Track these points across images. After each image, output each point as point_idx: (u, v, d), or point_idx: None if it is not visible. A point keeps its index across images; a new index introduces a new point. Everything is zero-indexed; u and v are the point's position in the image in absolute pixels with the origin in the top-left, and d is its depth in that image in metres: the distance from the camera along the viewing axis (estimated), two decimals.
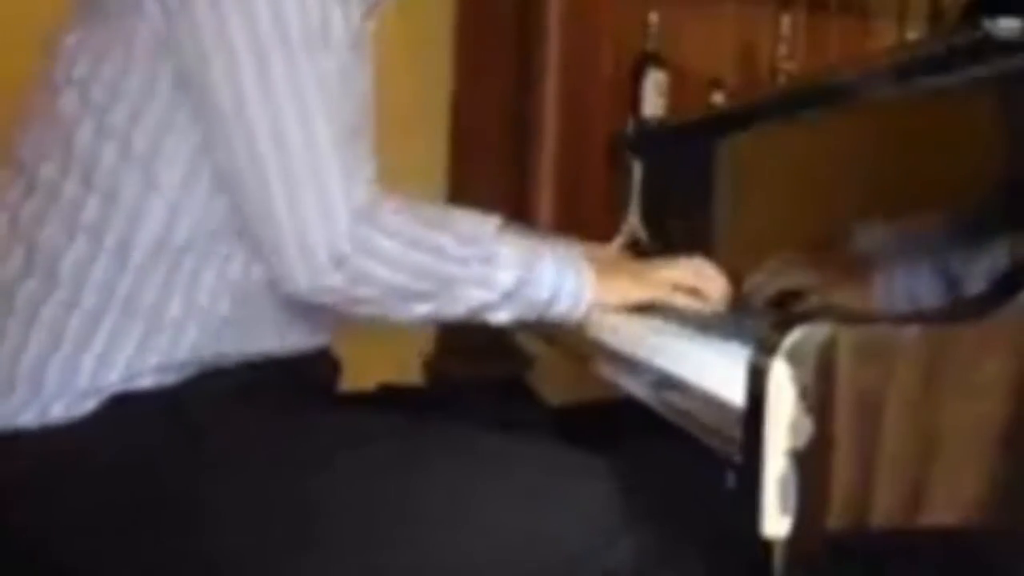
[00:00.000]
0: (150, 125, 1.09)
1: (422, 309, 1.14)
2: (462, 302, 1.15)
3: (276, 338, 1.17)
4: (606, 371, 1.23)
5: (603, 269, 1.25)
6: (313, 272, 1.07)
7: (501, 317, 1.19)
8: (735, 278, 1.35)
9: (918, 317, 0.85)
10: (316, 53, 1.07)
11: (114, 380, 1.09)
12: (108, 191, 1.09)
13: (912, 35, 2.04)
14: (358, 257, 1.08)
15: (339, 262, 1.07)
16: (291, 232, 1.06)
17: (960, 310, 0.85)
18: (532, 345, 1.65)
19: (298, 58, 1.06)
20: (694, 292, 1.27)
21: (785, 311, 1.27)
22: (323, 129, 1.07)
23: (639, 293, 1.26)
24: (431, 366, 2.41)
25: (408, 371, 2.31)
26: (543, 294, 1.19)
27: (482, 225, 1.20)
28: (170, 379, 1.11)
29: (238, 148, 1.06)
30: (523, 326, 1.61)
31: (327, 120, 1.07)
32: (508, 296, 1.17)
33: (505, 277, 1.16)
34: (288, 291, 1.10)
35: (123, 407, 1.08)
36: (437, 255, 1.13)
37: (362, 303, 1.12)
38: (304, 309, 1.17)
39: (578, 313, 1.22)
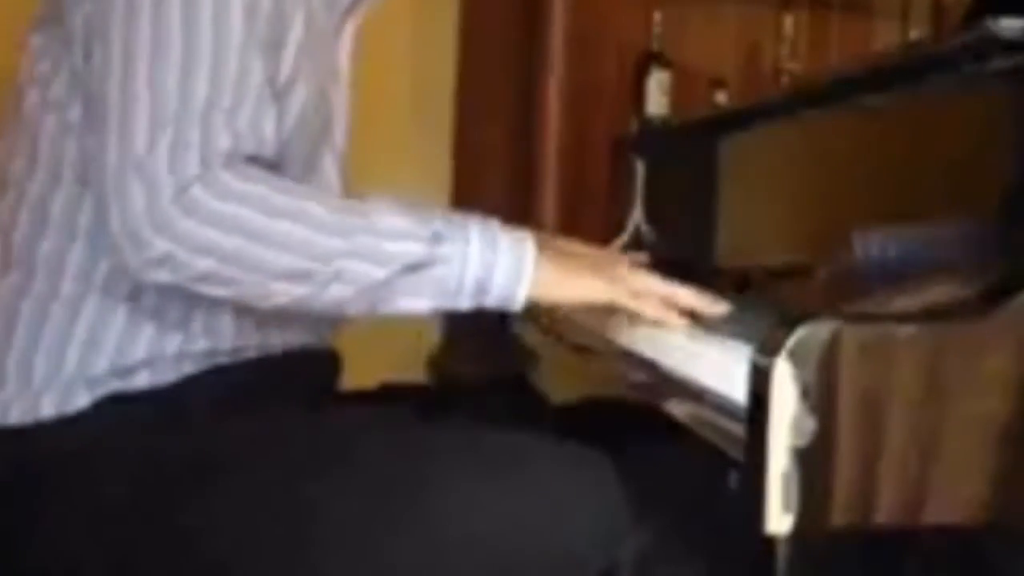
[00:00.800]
0: None
1: (296, 291, 1.02)
2: (343, 281, 1.02)
3: (272, 331, 1.16)
4: (609, 369, 1.23)
5: (554, 252, 1.12)
6: (136, 241, 0.97)
7: (413, 305, 1.05)
8: (737, 274, 1.35)
9: (920, 316, 0.85)
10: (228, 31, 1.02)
11: (103, 372, 1.09)
12: (74, 184, 1.10)
13: (915, 35, 2.05)
14: (185, 221, 0.97)
15: (160, 226, 0.97)
16: (113, 191, 0.98)
17: (962, 309, 0.85)
18: (536, 343, 1.65)
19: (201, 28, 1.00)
20: (665, 303, 1.13)
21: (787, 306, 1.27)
22: (176, 81, 0.99)
23: (598, 293, 1.12)
24: (435, 364, 2.41)
25: (412, 369, 2.31)
26: (465, 276, 1.05)
27: (383, 200, 1.07)
28: (166, 377, 1.11)
29: (95, 83, 1.03)
30: (526, 322, 1.61)
31: (190, 74, 1.00)
32: (407, 272, 1.03)
33: (402, 249, 1.03)
34: (124, 269, 1.01)
35: (118, 406, 1.09)
36: (304, 223, 1.01)
37: (212, 282, 1.00)
38: None
39: (515, 304, 1.08)
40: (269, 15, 1.07)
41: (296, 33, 1.11)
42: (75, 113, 1.10)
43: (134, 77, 1.00)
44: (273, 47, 1.08)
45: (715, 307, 1.14)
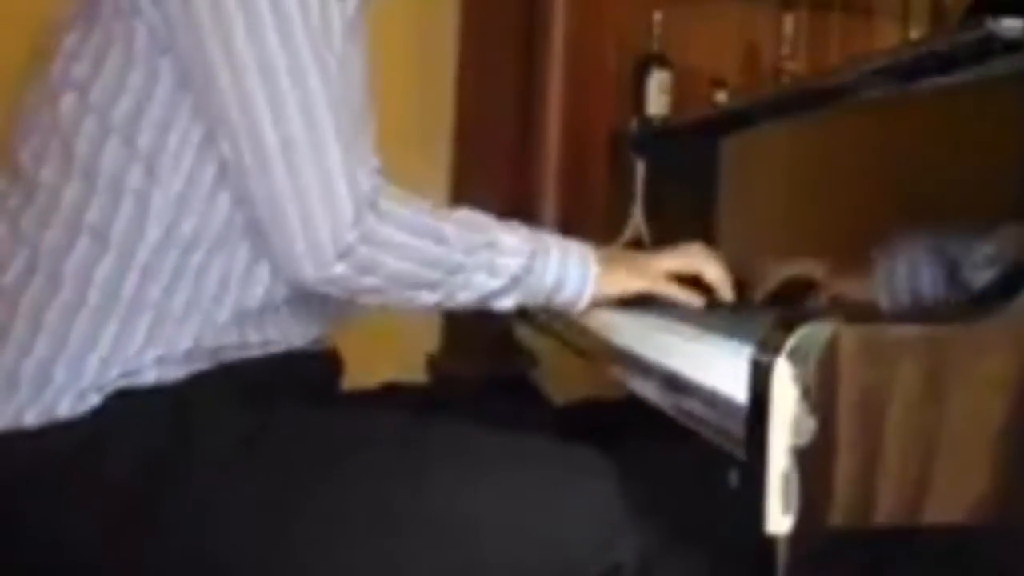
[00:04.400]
0: (152, 123, 1.09)
1: (429, 298, 1.17)
2: (468, 289, 1.18)
3: (278, 331, 1.17)
4: (610, 370, 1.23)
5: (603, 261, 1.28)
6: (319, 263, 1.08)
7: (506, 304, 1.22)
8: (738, 275, 1.35)
9: (920, 316, 0.85)
10: (317, 46, 1.08)
11: (116, 375, 1.09)
12: (111, 191, 1.09)
13: (915, 35, 2.05)
14: (364, 247, 1.09)
15: (345, 252, 1.08)
16: (297, 223, 1.07)
17: (962, 309, 0.85)
18: (537, 343, 1.65)
19: (301, 53, 1.07)
20: (693, 281, 1.30)
21: (790, 305, 1.27)
22: (326, 118, 1.08)
23: (637, 284, 1.29)
24: (436, 365, 2.41)
25: (413, 370, 2.31)
26: (547, 281, 1.23)
27: (483, 216, 1.22)
28: (172, 374, 1.11)
29: (242, 142, 1.07)
30: (526, 323, 1.62)
31: (330, 109, 1.08)
32: (514, 282, 1.20)
33: (510, 263, 1.20)
34: (294, 282, 1.12)
35: (125, 403, 1.09)
36: (442, 243, 1.15)
37: (368, 292, 1.14)
38: (307, 303, 1.17)
39: (582, 303, 1.26)
40: (350, 19, 1.15)
41: (338, 32, 1.14)
42: (120, 114, 1.09)
43: (283, 106, 1.06)
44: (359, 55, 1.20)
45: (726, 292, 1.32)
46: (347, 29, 1.13)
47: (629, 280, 1.30)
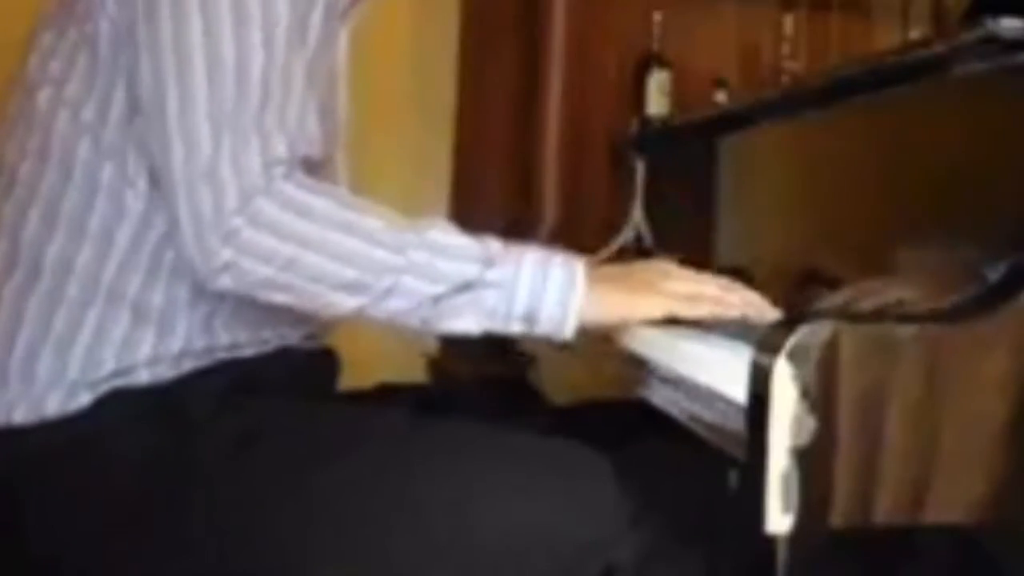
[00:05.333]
0: (116, 122, 1.10)
1: (349, 302, 1.04)
2: (399, 295, 1.03)
3: (268, 327, 1.17)
4: (609, 369, 1.23)
5: (600, 281, 1.10)
6: (205, 248, 1.00)
7: (461, 325, 1.06)
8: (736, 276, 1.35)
9: (920, 316, 0.85)
10: (247, 26, 1.03)
11: (106, 373, 1.09)
12: (86, 185, 1.10)
13: (915, 35, 2.05)
14: (250, 230, 1.00)
15: (228, 236, 1.00)
16: (184, 200, 1.01)
17: (961, 309, 0.85)
18: (535, 344, 1.65)
19: (223, 31, 1.02)
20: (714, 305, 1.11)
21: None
22: (229, 88, 1.02)
23: (649, 310, 1.09)
24: (436, 366, 2.41)
25: (412, 371, 2.31)
26: (517, 299, 1.06)
27: (433, 219, 1.08)
28: (166, 374, 1.11)
29: (153, 119, 1.04)
30: None
31: (243, 78, 1.02)
32: (460, 290, 1.04)
33: (455, 268, 1.04)
34: (193, 272, 1.04)
35: (119, 403, 1.09)
36: (362, 237, 1.03)
37: (268, 287, 1.03)
38: None
39: (565, 329, 1.07)
40: (302, 15, 1.09)
41: (314, 35, 1.12)
42: (90, 111, 1.10)
43: (191, 83, 1.02)
44: (303, 47, 1.10)
45: (766, 313, 1.10)
46: (297, 22, 1.08)
47: (638, 303, 1.10)
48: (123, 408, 1.09)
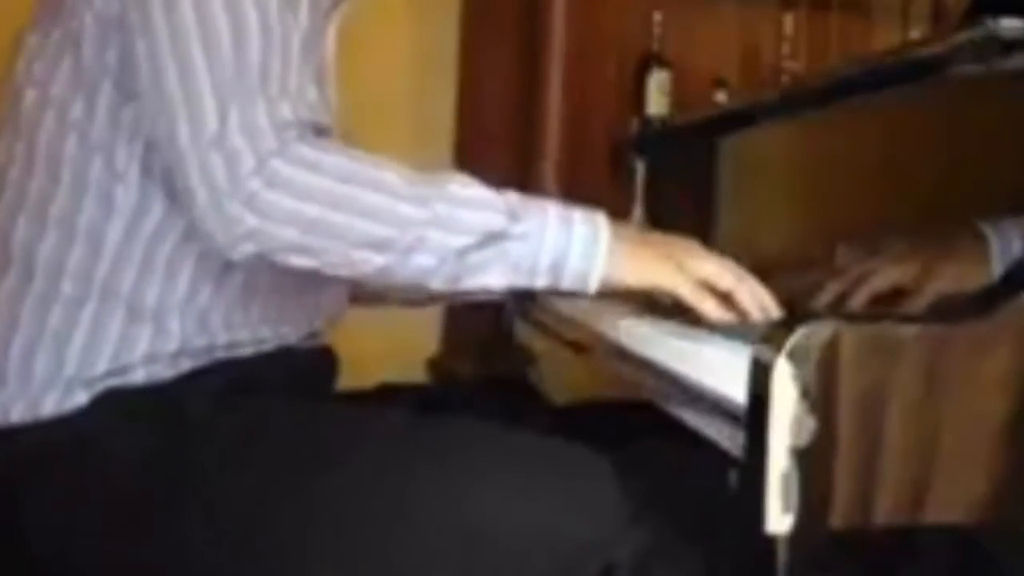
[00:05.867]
0: (103, 113, 1.10)
1: (376, 260, 1.02)
2: (424, 250, 1.01)
3: (267, 326, 1.17)
4: (609, 369, 1.23)
5: (624, 239, 1.08)
6: (225, 218, 0.99)
7: (489, 281, 1.04)
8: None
9: (920, 316, 0.85)
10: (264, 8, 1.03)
11: (102, 371, 1.09)
12: (75, 184, 1.10)
13: (915, 35, 2.05)
14: (270, 192, 0.99)
15: (246, 200, 0.98)
16: (196, 172, 1.00)
17: (962, 309, 0.85)
18: (536, 343, 1.65)
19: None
20: (724, 298, 1.08)
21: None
22: (228, 60, 1.01)
23: (665, 278, 1.07)
24: (436, 366, 2.41)
25: (412, 369, 2.31)
26: (544, 249, 1.04)
27: (450, 173, 1.07)
28: (163, 373, 1.11)
29: (151, 100, 1.04)
30: (525, 322, 1.61)
31: (241, 46, 1.01)
32: (487, 241, 1.02)
33: (477, 218, 1.03)
34: (210, 245, 1.03)
35: (117, 403, 1.09)
36: (384, 192, 1.02)
37: (296, 251, 1.01)
38: (294, 293, 1.17)
39: (591, 282, 1.06)
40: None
41: (302, 22, 1.11)
42: (77, 110, 1.10)
43: (189, 60, 1.01)
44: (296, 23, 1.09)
45: (771, 313, 1.08)
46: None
47: (656, 270, 1.07)
48: (121, 408, 1.08)
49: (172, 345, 1.11)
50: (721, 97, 2.32)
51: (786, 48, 2.38)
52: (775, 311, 1.09)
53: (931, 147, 1.14)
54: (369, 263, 1.02)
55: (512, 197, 1.06)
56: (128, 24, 1.06)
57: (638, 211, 2.03)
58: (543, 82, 2.30)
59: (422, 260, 1.02)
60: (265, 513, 1.04)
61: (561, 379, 1.55)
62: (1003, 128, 1.01)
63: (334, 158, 1.02)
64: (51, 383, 1.09)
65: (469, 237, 1.02)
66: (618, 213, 2.05)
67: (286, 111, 1.02)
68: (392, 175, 1.03)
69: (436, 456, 1.06)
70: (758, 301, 1.08)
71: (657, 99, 2.35)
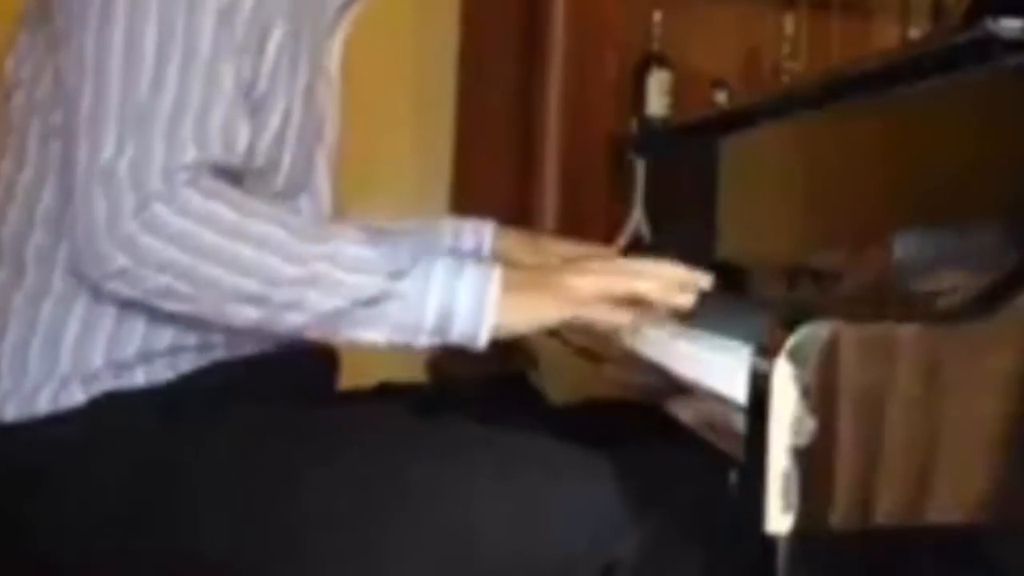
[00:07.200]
0: None
1: (250, 314, 1.02)
2: (298, 310, 1.01)
3: None
4: (609, 369, 1.23)
5: (514, 287, 1.06)
6: (96, 254, 0.99)
7: (369, 338, 1.04)
8: (738, 274, 1.35)
9: (920, 315, 0.85)
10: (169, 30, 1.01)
11: (98, 368, 1.09)
12: (58, 184, 1.10)
13: (915, 35, 2.05)
14: (144, 237, 0.98)
15: (120, 241, 0.98)
16: (81, 200, 0.99)
17: (961, 309, 0.85)
18: (536, 343, 1.65)
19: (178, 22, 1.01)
20: (632, 300, 1.07)
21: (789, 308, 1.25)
22: (143, 88, 1.00)
23: (552, 312, 1.07)
24: (436, 366, 2.41)
25: (412, 369, 2.31)
26: (428, 310, 1.03)
27: (343, 228, 1.06)
28: (161, 374, 1.11)
29: (68, 88, 1.04)
30: None
31: (160, 81, 1.00)
32: (364, 306, 1.01)
33: (356, 282, 1.01)
34: (84, 276, 1.03)
35: (114, 403, 1.09)
36: (262, 247, 1.00)
37: (168, 297, 1.01)
38: None
39: (480, 339, 1.05)
40: (247, 20, 1.06)
41: (277, 37, 1.11)
42: (58, 117, 1.09)
43: (106, 84, 1.01)
44: (251, 52, 1.08)
45: (702, 283, 1.08)
46: (229, 23, 1.05)
47: (542, 311, 1.06)
48: (117, 409, 1.08)
49: (166, 340, 1.10)
50: (721, 97, 2.32)
51: (786, 48, 2.38)
52: (704, 280, 1.08)
53: (931, 147, 1.14)
54: (242, 316, 1.02)
55: (403, 254, 1.04)
56: (65, 34, 1.05)
57: (638, 211, 2.03)
58: (543, 83, 2.30)
59: (296, 318, 1.02)
60: (263, 513, 1.04)
61: (561, 379, 1.55)
62: (1003, 128, 1.01)
63: (223, 209, 1.00)
64: (46, 379, 1.09)
65: (343, 301, 1.01)
66: (618, 213, 2.07)
67: (189, 153, 1.00)
68: (278, 230, 1.01)
69: (434, 457, 1.06)
70: (677, 282, 1.07)
71: (657, 99, 2.35)
